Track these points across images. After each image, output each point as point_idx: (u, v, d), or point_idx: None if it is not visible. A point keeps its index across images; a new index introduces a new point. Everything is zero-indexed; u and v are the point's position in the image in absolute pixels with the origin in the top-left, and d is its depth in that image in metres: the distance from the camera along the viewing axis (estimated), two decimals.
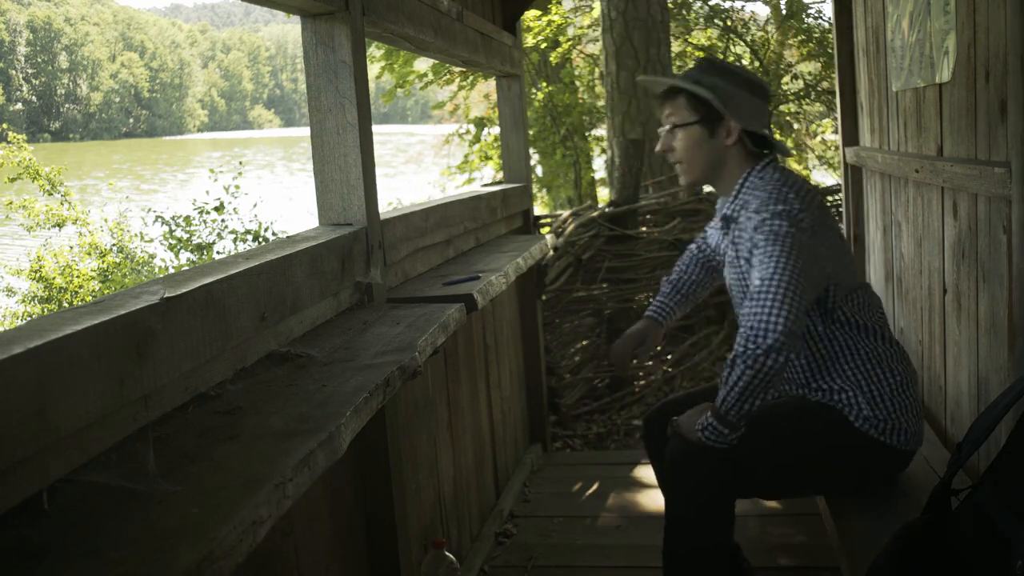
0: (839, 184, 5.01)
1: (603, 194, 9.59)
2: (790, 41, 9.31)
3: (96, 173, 33.37)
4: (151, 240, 8.28)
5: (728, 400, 1.89)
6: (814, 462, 2.02)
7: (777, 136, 8.98)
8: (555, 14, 8.64)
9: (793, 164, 9.32)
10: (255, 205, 8.34)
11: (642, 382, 4.71)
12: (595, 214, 4.53)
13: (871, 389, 2.01)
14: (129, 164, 42.44)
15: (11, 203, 7.87)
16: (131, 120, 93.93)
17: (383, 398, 1.46)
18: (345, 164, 1.98)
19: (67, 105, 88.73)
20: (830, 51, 6.79)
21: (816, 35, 8.95)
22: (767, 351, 1.85)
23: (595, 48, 9.76)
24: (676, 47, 8.75)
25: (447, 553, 2.19)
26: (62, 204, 7.90)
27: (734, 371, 1.88)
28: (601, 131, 9.96)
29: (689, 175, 2.13)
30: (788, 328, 1.84)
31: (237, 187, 8.24)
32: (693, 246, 2.47)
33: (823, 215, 2.02)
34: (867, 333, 2.04)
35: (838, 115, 4.02)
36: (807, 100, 9.18)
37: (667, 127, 2.12)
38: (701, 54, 9.15)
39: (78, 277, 7.58)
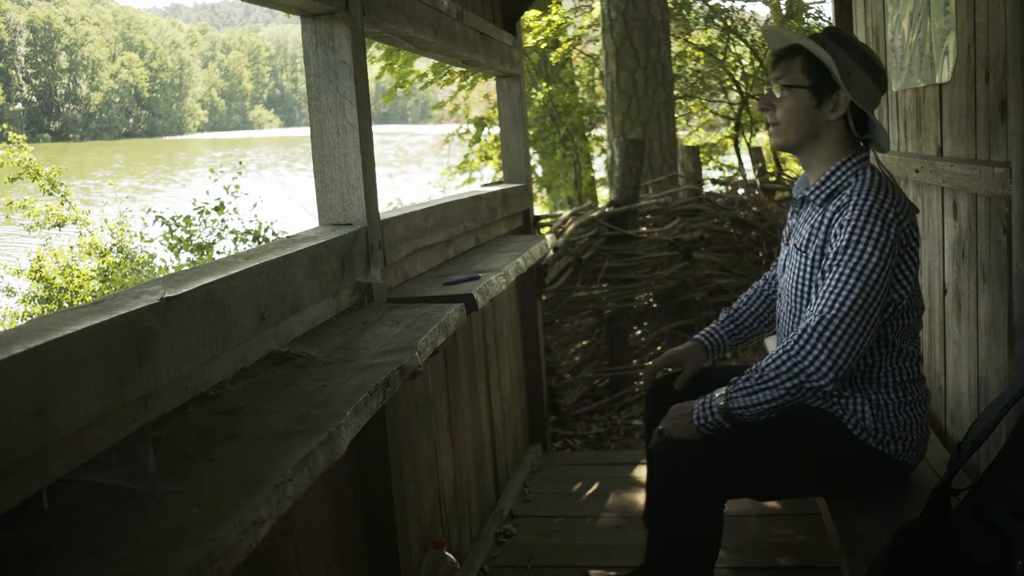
0: None
1: (603, 194, 9.60)
2: None
3: (101, 173, 33.53)
4: (151, 240, 8.29)
5: (751, 411, 1.89)
6: (808, 465, 1.99)
7: None
8: (555, 14, 8.64)
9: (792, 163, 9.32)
10: (255, 205, 8.35)
11: (642, 382, 4.71)
12: (595, 214, 4.53)
13: (879, 401, 1.97)
14: (134, 163, 42.53)
15: (11, 203, 7.87)
16: (131, 120, 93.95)
17: (383, 398, 1.46)
18: (345, 164, 1.98)
19: (67, 105, 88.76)
20: None
21: None
22: (813, 389, 1.85)
23: (595, 48, 9.77)
24: (676, 47, 8.75)
25: (447, 553, 2.19)
26: (62, 204, 7.90)
27: (771, 390, 1.86)
28: (601, 131, 9.97)
29: (782, 138, 2.04)
30: (843, 373, 1.83)
31: (237, 187, 8.25)
32: (760, 280, 2.38)
33: (913, 232, 1.94)
34: (898, 356, 1.98)
35: None
36: None
37: (775, 86, 2.04)
38: (701, 54, 9.16)
39: (78, 277, 7.58)
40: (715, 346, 2.33)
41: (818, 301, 1.87)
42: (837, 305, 1.83)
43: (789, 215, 2.19)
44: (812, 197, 2.03)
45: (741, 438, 1.93)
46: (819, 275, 1.95)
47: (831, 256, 1.89)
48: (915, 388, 2.01)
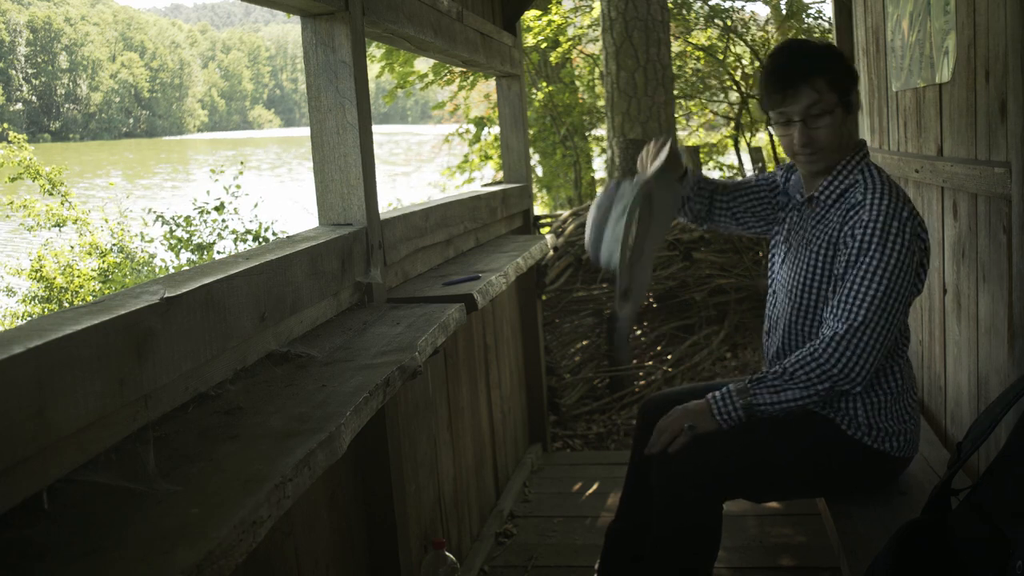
0: None
1: None
2: None
3: (117, 172, 33.72)
4: (151, 240, 8.29)
5: (774, 407, 1.90)
6: (802, 467, 1.99)
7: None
8: (555, 14, 8.64)
9: None
10: (256, 205, 8.36)
11: (642, 382, 4.71)
12: None
13: (869, 396, 1.97)
14: (145, 163, 42.65)
15: (11, 203, 7.87)
16: (131, 120, 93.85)
17: (383, 398, 1.46)
18: (345, 164, 1.98)
19: (67, 105, 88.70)
20: None
21: (816, 35, 8.95)
22: (842, 392, 1.89)
23: (595, 48, 9.77)
24: (676, 47, 8.75)
25: (447, 553, 2.19)
26: (63, 204, 7.91)
27: (799, 390, 1.88)
28: (601, 131, 9.97)
29: (826, 162, 1.99)
30: (872, 374, 1.87)
31: (238, 187, 8.25)
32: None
33: (924, 229, 1.94)
34: (890, 351, 1.98)
35: None
36: None
37: (797, 118, 1.94)
38: (701, 54, 9.15)
39: (79, 277, 7.58)
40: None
41: (841, 306, 1.87)
42: (863, 311, 1.84)
43: (783, 214, 2.18)
44: (822, 197, 2.01)
45: (735, 440, 1.93)
46: (827, 273, 1.96)
47: (850, 258, 1.89)
48: (904, 375, 2.01)
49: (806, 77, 1.91)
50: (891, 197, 1.90)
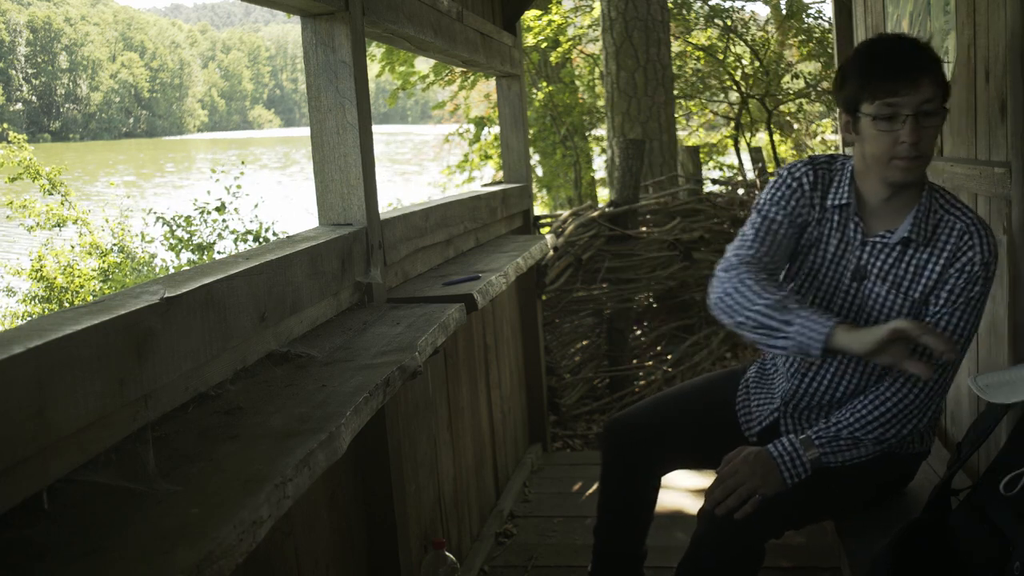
0: None
1: (603, 194, 9.61)
2: (790, 41, 9.32)
3: (123, 168, 33.77)
4: (152, 240, 8.30)
5: (845, 463, 1.79)
6: (854, 500, 1.93)
7: (777, 137, 9.03)
8: (555, 14, 8.65)
9: None
10: (256, 205, 8.37)
11: (642, 382, 4.71)
12: (595, 214, 4.53)
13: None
14: (156, 162, 42.74)
15: (11, 203, 7.88)
16: (131, 120, 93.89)
17: (383, 398, 1.46)
18: (345, 164, 1.98)
19: (67, 105, 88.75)
20: (830, 51, 6.79)
21: (816, 35, 8.97)
22: (901, 439, 1.82)
23: (595, 48, 9.77)
24: (676, 47, 8.76)
25: (447, 553, 2.19)
26: (63, 204, 7.92)
27: (870, 445, 1.77)
28: (601, 131, 9.98)
29: (923, 169, 1.74)
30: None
31: (239, 187, 8.26)
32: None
33: None
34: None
35: (838, 115, 4.02)
36: (807, 100, 9.19)
37: (907, 114, 1.68)
38: (701, 54, 9.16)
39: (79, 277, 7.59)
40: None
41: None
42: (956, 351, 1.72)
43: (843, 247, 1.84)
44: (914, 237, 1.76)
45: (798, 495, 1.80)
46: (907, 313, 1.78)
47: (951, 296, 1.73)
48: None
49: (926, 68, 1.69)
50: (977, 219, 1.76)
